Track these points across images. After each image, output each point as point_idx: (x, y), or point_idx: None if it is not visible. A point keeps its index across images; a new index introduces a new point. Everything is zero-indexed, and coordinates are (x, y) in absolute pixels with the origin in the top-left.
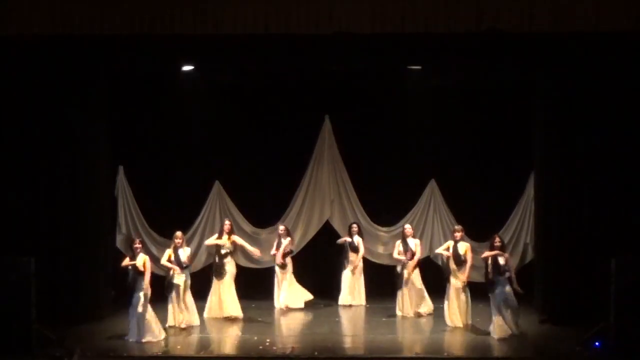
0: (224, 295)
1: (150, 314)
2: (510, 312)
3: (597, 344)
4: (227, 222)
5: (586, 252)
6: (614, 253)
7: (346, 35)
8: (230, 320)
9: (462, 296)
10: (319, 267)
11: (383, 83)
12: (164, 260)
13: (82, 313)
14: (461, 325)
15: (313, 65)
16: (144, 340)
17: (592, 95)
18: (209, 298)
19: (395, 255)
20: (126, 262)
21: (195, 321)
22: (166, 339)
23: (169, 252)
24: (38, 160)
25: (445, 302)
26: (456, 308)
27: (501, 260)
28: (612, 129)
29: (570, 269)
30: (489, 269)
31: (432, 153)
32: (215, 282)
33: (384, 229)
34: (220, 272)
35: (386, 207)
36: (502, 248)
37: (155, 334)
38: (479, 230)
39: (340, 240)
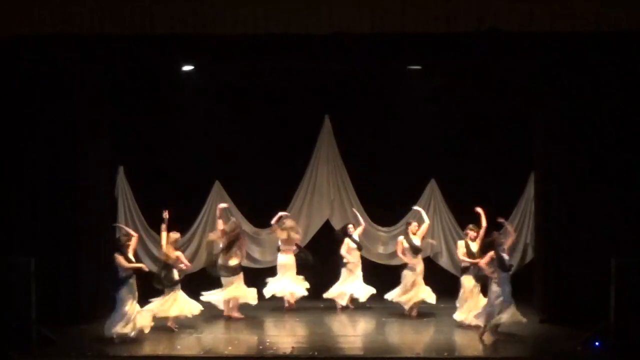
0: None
1: None
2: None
3: (597, 343)
4: (232, 219)
5: (586, 252)
6: (614, 253)
7: (346, 35)
8: (225, 320)
9: (476, 292)
10: (318, 267)
11: (383, 83)
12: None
13: (82, 313)
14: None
15: (313, 65)
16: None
17: (592, 96)
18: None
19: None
20: (129, 264)
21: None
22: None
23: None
24: (38, 160)
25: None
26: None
27: (505, 255)
28: (612, 129)
29: (570, 269)
30: (493, 267)
31: (432, 153)
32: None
33: (384, 229)
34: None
35: (386, 207)
36: (501, 243)
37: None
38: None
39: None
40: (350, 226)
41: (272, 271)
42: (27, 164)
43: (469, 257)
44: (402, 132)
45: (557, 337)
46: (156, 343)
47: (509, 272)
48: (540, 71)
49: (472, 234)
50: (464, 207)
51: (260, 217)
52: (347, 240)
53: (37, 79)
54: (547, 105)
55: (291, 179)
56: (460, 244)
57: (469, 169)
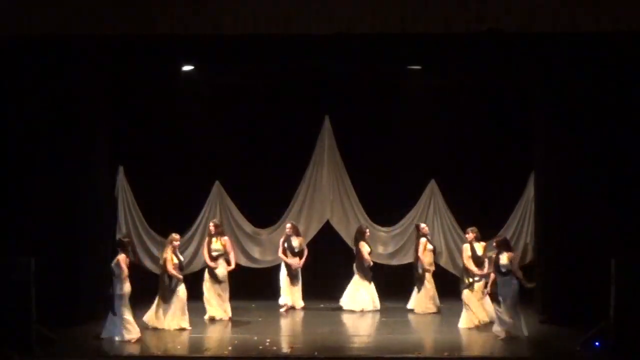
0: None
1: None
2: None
3: (597, 344)
4: (211, 224)
5: (586, 252)
6: (614, 253)
7: (346, 35)
8: (225, 321)
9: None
10: (319, 267)
11: (383, 83)
12: (170, 269)
13: (82, 313)
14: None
15: (313, 65)
16: (128, 338)
17: (592, 95)
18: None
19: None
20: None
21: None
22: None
23: (170, 256)
24: (38, 160)
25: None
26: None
27: (502, 260)
28: (612, 129)
29: (570, 269)
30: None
31: (432, 153)
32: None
33: (384, 229)
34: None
35: (386, 207)
36: (501, 247)
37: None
38: (479, 230)
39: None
40: (367, 230)
41: (272, 271)
42: (27, 164)
43: (475, 261)
44: (402, 132)
45: (557, 337)
46: (156, 343)
47: (506, 276)
48: (540, 71)
49: (470, 235)
50: (464, 207)
51: (260, 217)
52: (363, 243)
53: (37, 79)
54: (547, 105)
55: (291, 179)
56: (466, 247)
57: (469, 169)
